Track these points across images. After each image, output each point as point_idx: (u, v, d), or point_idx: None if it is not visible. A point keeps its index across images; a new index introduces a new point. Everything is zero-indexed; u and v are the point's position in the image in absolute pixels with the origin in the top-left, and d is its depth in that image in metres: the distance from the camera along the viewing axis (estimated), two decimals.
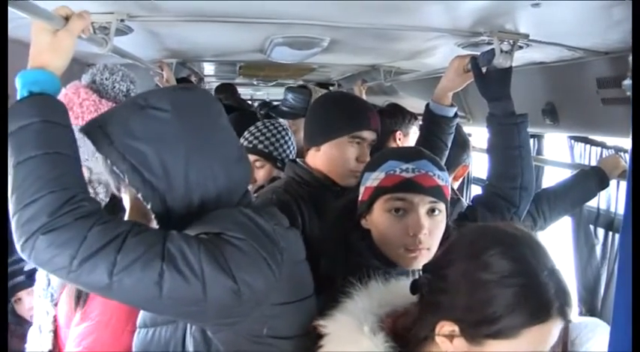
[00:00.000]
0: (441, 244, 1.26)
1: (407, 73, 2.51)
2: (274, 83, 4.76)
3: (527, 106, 1.74)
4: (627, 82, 1.39)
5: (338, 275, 1.20)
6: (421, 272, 1.02)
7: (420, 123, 1.98)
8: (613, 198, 1.95)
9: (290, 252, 1.05)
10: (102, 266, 0.88)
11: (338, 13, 1.45)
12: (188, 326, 1.04)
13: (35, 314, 1.47)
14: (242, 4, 1.36)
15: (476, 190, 3.08)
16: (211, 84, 4.82)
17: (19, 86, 0.97)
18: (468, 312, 0.89)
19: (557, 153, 2.37)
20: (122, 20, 1.43)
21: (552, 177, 2.30)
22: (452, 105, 1.74)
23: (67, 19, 1.02)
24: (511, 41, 1.48)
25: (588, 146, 2.07)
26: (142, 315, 1.12)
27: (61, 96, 1.00)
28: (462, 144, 2.05)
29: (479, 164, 3.04)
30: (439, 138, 1.73)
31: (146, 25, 1.61)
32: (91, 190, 1.40)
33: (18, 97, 0.96)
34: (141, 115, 1.03)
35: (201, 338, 1.03)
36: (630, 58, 1.28)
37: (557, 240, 2.21)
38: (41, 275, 1.44)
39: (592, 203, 1.98)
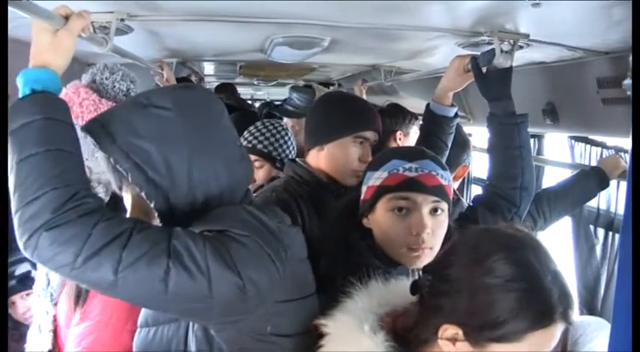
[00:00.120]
0: (443, 244, 1.26)
1: (407, 72, 2.51)
2: (275, 83, 4.76)
3: (527, 106, 1.74)
4: (627, 82, 1.39)
5: (338, 274, 1.20)
6: (421, 273, 1.02)
7: (421, 123, 1.98)
8: (613, 198, 1.95)
9: (293, 250, 1.06)
10: (107, 263, 0.87)
11: (338, 13, 1.44)
12: (190, 324, 1.04)
13: (34, 314, 1.47)
14: (242, 3, 1.36)
15: (476, 190, 3.08)
16: (211, 83, 4.82)
17: (20, 84, 0.97)
18: (472, 316, 0.89)
19: (558, 153, 2.37)
20: (122, 20, 1.43)
21: (553, 177, 2.30)
22: (452, 105, 1.74)
23: (66, 18, 1.02)
24: (511, 41, 1.48)
25: (588, 146, 2.07)
26: (143, 314, 1.12)
27: (61, 96, 1.00)
28: (462, 144, 2.05)
29: (479, 164, 3.04)
30: (439, 138, 1.73)
31: (146, 25, 1.61)
32: None
33: (20, 95, 0.96)
34: (143, 114, 1.03)
35: (204, 337, 1.03)
36: (630, 58, 1.28)
37: (557, 240, 2.21)
38: (41, 274, 1.44)
39: (592, 203, 1.98)
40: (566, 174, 2.03)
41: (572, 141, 2.15)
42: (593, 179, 1.84)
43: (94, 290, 1.02)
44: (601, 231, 2.01)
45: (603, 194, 1.93)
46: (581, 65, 1.66)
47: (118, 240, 0.89)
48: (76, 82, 1.50)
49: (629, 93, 1.38)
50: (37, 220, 0.87)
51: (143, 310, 1.13)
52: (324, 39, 1.79)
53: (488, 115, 1.57)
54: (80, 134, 1.01)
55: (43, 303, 1.41)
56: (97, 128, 1.03)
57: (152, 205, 1.02)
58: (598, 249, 2.03)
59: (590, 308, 2.02)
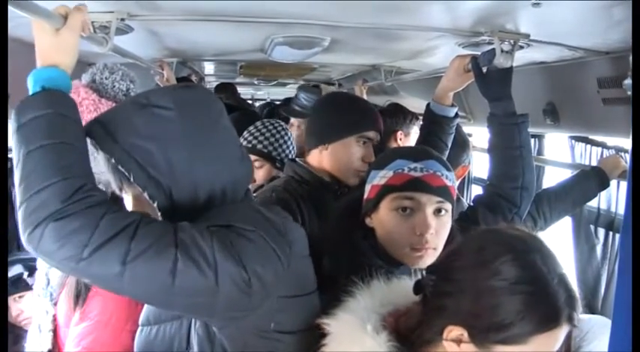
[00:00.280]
0: (445, 244, 1.26)
1: (407, 72, 2.51)
2: (275, 83, 4.76)
3: (527, 106, 1.74)
4: (628, 82, 1.39)
5: (340, 274, 1.21)
6: (425, 273, 1.02)
7: (421, 123, 1.98)
8: (613, 198, 1.95)
9: (297, 246, 1.06)
10: (114, 255, 0.87)
11: (338, 13, 1.45)
12: (192, 322, 1.04)
13: (34, 314, 1.47)
14: (243, 3, 1.36)
15: (476, 190, 3.08)
16: (212, 83, 4.82)
17: (31, 83, 0.97)
18: (478, 318, 0.89)
19: (558, 153, 2.37)
20: (122, 19, 1.43)
21: (553, 177, 2.30)
22: (452, 105, 1.74)
23: (66, 18, 1.02)
24: (512, 41, 1.48)
25: (589, 146, 2.07)
26: (145, 313, 1.12)
27: None
28: (461, 144, 2.05)
29: (479, 164, 3.04)
30: (439, 138, 1.73)
31: (146, 24, 1.61)
32: None
33: (30, 93, 0.97)
34: (144, 114, 1.03)
35: (205, 335, 1.03)
36: (631, 58, 1.27)
37: (557, 240, 2.21)
38: (40, 274, 1.44)
39: (592, 203, 1.98)
40: (567, 174, 2.03)
41: (573, 141, 2.15)
42: (593, 179, 1.84)
43: (98, 285, 1.01)
44: (601, 231, 2.02)
45: (603, 194, 1.93)
46: (581, 65, 1.66)
47: (126, 232, 0.88)
48: (76, 81, 1.50)
49: (630, 93, 1.38)
50: (44, 211, 0.87)
51: (145, 309, 1.13)
52: (325, 39, 1.79)
53: (489, 115, 1.57)
54: None
55: (42, 303, 1.41)
56: (98, 129, 1.03)
57: (155, 204, 1.02)
58: (598, 249, 2.03)
59: (590, 308, 2.02)
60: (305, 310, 1.08)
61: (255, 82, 4.83)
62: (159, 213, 1.04)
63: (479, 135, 2.81)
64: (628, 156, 1.78)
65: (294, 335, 1.05)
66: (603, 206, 1.98)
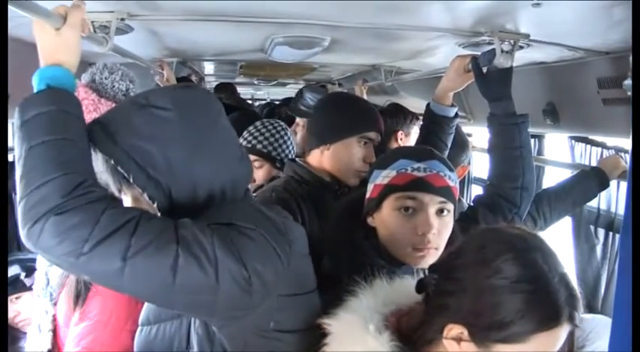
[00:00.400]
0: (446, 245, 1.26)
1: (408, 72, 2.51)
2: (275, 83, 4.76)
3: (527, 106, 1.74)
4: (628, 82, 1.39)
5: (342, 274, 1.21)
6: (427, 272, 1.02)
7: (421, 122, 1.98)
8: (613, 198, 1.95)
9: (297, 245, 1.06)
10: (115, 250, 0.87)
11: (338, 13, 1.44)
12: (192, 321, 1.04)
13: (31, 315, 1.46)
14: (243, 3, 1.36)
15: (476, 190, 3.08)
16: (212, 83, 4.82)
17: (36, 82, 0.98)
18: (478, 317, 0.89)
19: (558, 154, 2.37)
20: (122, 19, 1.43)
21: (553, 178, 2.30)
22: (452, 106, 1.74)
23: (65, 17, 1.02)
24: (512, 41, 1.48)
25: (589, 146, 2.07)
26: (145, 312, 1.12)
27: None
28: (461, 144, 2.05)
29: (479, 164, 3.04)
30: (439, 138, 1.73)
31: (146, 24, 1.61)
32: None
33: (35, 91, 0.97)
34: (143, 114, 1.03)
35: (205, 334, 1.02)
36: (631, 58, 1.27)
37: (557, 240, 2.21)
38: (40, 274, 1.44)
39: (592, 203, 1.98)
40: (567, 174, 2.03)
41: (573, 141, 2.15)
42: (593, 179, 1.84)
43: (98, 281, 1.01)
44: (601, 231, 2.02)
45: (603, 194, 1.93)
46: (581, 65, 1.66)
47: (127, 227, 0.88)
48: (76, 81, 1.50)
49: (630, 93, 1.38)
50: (45, 205, 0.87)
51: (144, 308, 1.13)
52: (325, 39, 1.79)
53: (489, 115, 1.57)
54: None
55: (42, 303, 1.41)
56: (97, 130, 1.03)
57: (154, 205, 1.02)
58: (598, 249, 2.03)
59: (590, 308, 2.02)
60: (305, 309, 1.08)
61: (255, 82, 4.83)
62: (158, 214, 1.04)
63: (479, 135, 2.81)
64: (628, 157, 1.79)
65: (294, 334, 1.05)
66: (603, 206, 1.98)
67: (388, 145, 2.13)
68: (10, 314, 1.98)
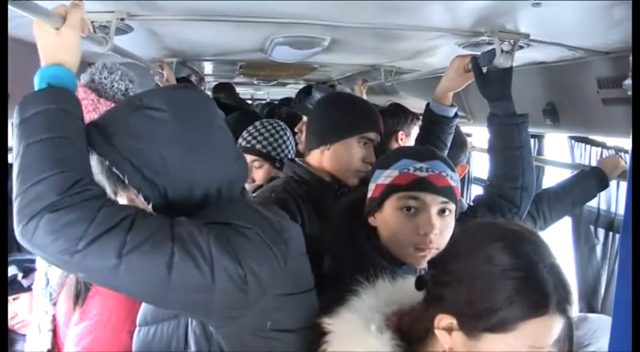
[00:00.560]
0: None
1: (407, 72, 2.51)
2: (275, 83, 4.76)
3: (527, 106, 1.73)
4: (628, 82, 1.39)
5: (343, 274, 1.21)
6: (427, 269, 1.03)
7: (421, 122, 1.98)
8: (613, 198, 1.95)
9: (293, 244, 1.06)
10: (110, 247, 0.87)
11: (338, 13, 1.45)
12: (189, 321, 1.04)
13: (29, 316, 1.46)
14: (242, 3, 1.36)
15: (476, 190, 3.08)
16: (211, 83, 4.82)
17: (37, 81, 0.98)
18: (467, 304, 0.90)
19: (558, 154, 2.37)
20: (122, 19, 1.43)
21: (553, 178, 2.30)
22: (452, 105, 1.74)
23: (65, 17, 1.02)
24: (512, 41, 1.48)
25: (589, 146, 2.07)
26: (142, 312, 1.12)
27: None
28: (460, 144, 2.05)
29: (480, 164, 3.04)
30: (439, 137, 1.74)
31: (146, 24, 1.61)
32: None
33: (36, 89, 0.97)
34: (138, 116, 1.03)
35: (202, 334, 1.02)
36: (631, 58, 1.27)
37: (557, 240, 2.21)
38: (40, 274, 1.44)
39: (592, 203, 1.98)
40: (567, 174, 2.03)
41: (573, 141, 2.15)
42: (593, 179, 1.84)
43: (93, 279, 1.00)
44: (601, 231, 2.02)
45: (603, 194, 1.93)
46: (581, 65, 1.66)
47: (122, 225, 0.88)
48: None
49: (630, 93, 1.38)
50: (41, 202, 0.86)
51: (142, 308, 1.12)
52: (325, 39, 1.79)
53: (489, 115, 1.57)
54: None
55: (42, 303, 1.41)
56: (92, 131, 1.02)
57: (150, 206, 1.02)
58: (598, 249, 2.03)
59: (590, 308, 2.02)
60: (302, 308, 1.08)
61: (255, 82, 4.83)
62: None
63: (479, 135, 2.81)
64: (628, 157, 1.79)
65: (292, 333, 1.05)
66: (603, 206, 1.98)
67: (389, 145, 2.13)
68: (8, 315, 1.98)
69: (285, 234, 1.03)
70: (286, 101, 4.58)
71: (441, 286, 0.95)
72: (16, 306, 1.91)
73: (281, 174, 1.85)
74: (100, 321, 1.26)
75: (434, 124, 1.75)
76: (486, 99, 1.57)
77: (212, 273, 0.91)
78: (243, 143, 2.12)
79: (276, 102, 5.23)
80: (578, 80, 1.73)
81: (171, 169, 1.01)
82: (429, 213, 1.25)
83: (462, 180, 2.86)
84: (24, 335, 1.79)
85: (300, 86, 4.21)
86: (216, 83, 4.58)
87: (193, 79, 3.58)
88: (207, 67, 3.80)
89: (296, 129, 2.39)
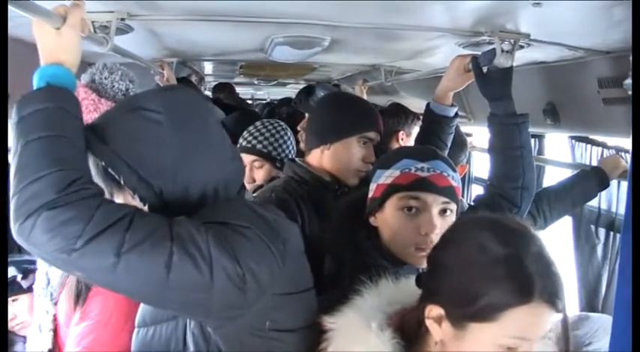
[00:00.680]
0: None
1: (408, 72, 2.51)
2: (275, 83, 4.76)
3: (528, 106, 1.73)
4: (628, 82, 1.39)
5: (344, 273, 1.20)
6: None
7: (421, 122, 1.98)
8: (614, 198, 1.95)
9: (292, 243, 1.06)
10: (108, 246, 0.86)
11: (338, 13, 1.44)
12: (188, 322, 1.04)
13: (27, 317, 1.46)
14: (242, 3, 1.36)
15: (476, 190, 3.08)
16: (211, 83, 4.83)
17: (36, 80, 0.98)
18: (453, 293, 0.91)
19: (558, 153, 2.36)
20: (122, 19, 1.43)
21: (553, 177, 2.30)
22: (452, 105, 1.74)
23: (65, 17, 1.02)
24: (512, 41, 1.47)
25: (589, 146, 2.07)
26: (141, 313, 1.12)
27: None
28: (460, 144, 2.05)
29: (480, 164, 3.04)
30: (439, 137, 1.74)
31: (146, 24, 1.61)
32: None
33: (35, 88, 0.97)
34: (133, 117, 1.03)
35: (200, 334, 1.02)
36: (631, 58, 1.27)
37: (557, 240, 2.21)
38: (41, 273, 1.44)
39: (593, 203, 1.98)
40: (567, 174, 2.03)
41: (573, 141, 2.15)
42: (593, 179, 1.84)
43: (90, 279, 1.00)
44: (602, 231, 2.01)
45: (604, 194, 1.93)
46: (581, 65, 1.66)
47: (121, 223, 0.88)
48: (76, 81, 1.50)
49: (630, 93, 1.38)
50: (38, 200, 0.86)
51: (140, 309, 1.12)
52: (325, 39, 1.79)
53: (489, 115, 1.57)
54: None
55: (43, 303, 1.41)
56: (89, 133, 1.02)
57: (146, 207, 1.01)
58: (599, 248, 2.03)
59: (591, 307, 2.02)
60: (301, 308, 1.08)
61: (255, 82, 4.83)
62: None
63: (479, 135, 2.81)
64: (628, 156, 1.79)
65: (291, 333, 1.05)
66: (604, 206, 1.98)
67: (389, 145, 2.13)
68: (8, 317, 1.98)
69: (283, 234, 1.03)
70: (286, 101, 4.58)
71: (431, 277, 0.97)
72: (16, 307, 1.91)
73: (281, 174, 1.85)
74: (100, 321, 1.26)
75: (434, 124, 1.75)
76: (487, 99, 1.57)
77: (211, 273, 0.91)
78: (244, 143, 2.12)
79: (276, 102, 5.22)
80: (578, 80, 1.73)
81: (167, 170, 1.01)
82: (430, 213, 1.25)
83: (463, 180, 2.86)
84: (23, 337, 1.80)
85: (301, 86, 4.21)
86: (216, 83, 4.59)
87: (193, 78, 3.58)
88: (208, 67, 3.80)
89: (298, 128, 2.39)
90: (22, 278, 1.89)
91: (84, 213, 0.87)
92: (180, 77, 2.93)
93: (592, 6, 1.14)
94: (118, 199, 1.06)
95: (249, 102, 6.54)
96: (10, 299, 1.89)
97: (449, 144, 1.78)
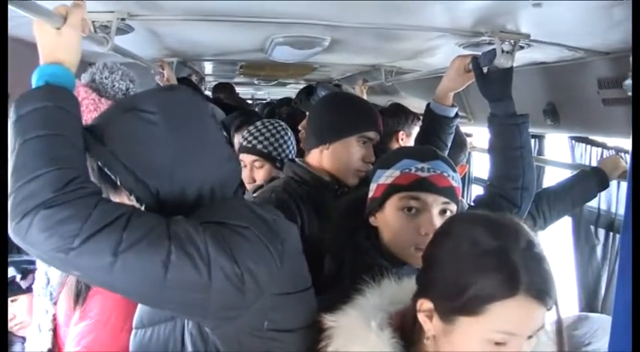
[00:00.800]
0: None
1: (408, 72, 2.51)
2: (275, 83, 4.76)
3: (528, 107, 1.73)
4: (628, 83, 1.39)
5: (344, 274, 1.20)
6: None
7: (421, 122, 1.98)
8: (613, 198, 1.95)
9: (290, 243, 1.05)
10: (106, 245, 0.86)
11: (339, 13, 1.44)
12: (186, 323, 1.04)
13: (26, 317, 1.46)
14: (243, 3, 1.36)
15: (476, 190, 3.08)
16: (211, 83, 4.83)
17: (35, 79, 0.98)
18: (441, 285, 0.92)
19: (558, 154, 2.37)
20: (123, 19, 1.43)
21: (553, 178, 2.30)
22: (453, 106, 1.74)
23: (66, 16, 1.02)
24: (512, 41, 1.48)
25: (589, 146, 2.07)
26: (138, 315, 1.11)
27: None
28: (460, 144, 2.05)
29: (480, 164, 3.04)
30: (439, 137, 1.74)
31: (147, 24, 1.61)
32: None
33: (33, 87, 0.97)
34: (129, 118, 1.03)
35: (198, 334, 1.02)
36: (631, 59, 1.27)
37: (557, 241, 2.21)
38: (40, 273, 1.44)
39: (593, 203, 1.98)
40: (567, 174, 2.03)
41: (573, 141, 2.15)
42: (593, 179, 1.84)
43: (87, 278, 1.00)
44: (601, 232, 2.02)
45: (604, 194, 1.93)
46: (581, 65, 1.66)
47: (118, 222, 0.88)
48: (76, 81, 1.50)
49: (630, 93, 1.38)
50: (34, 199, 0.86)
51: (138, 310, 1.12)
52: (325, 39, 1.79)
53: (489, 116, 1.57)
54: None
55: (42, 302, 1.41)
56: (85, 134, 1.02)
57: (143, 208, 1.01)
58: (598, 249, 2.03)
59: (590, 308, 2.02)
60: (300, 308, 1.07)
61: (255, 82, 4.83)
62: None
63: (479, 135, 2.82)
64: (628, 157, 1.79)
65: (290, 333, 1.05)
66: (603, 206, 1.98)
67: (389, 145, 2.13)
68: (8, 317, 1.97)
69: (281, 234, 1.03)
70: (285, 101, 4.58)
71: (423, 271, 0.98)
72: (15, 308, 1.91)
73: (282, 174, 1.85)
74: (100, 320, 1.26)
75: (434, 124, 1.75)
76: (487, 100, 1.57)
77: (209, 272, 0.90)
78: (244, 143, 2.12)
79: (275, 102, 5.22)
80: (578, 80, 1.73)
81: (164, 170, 1.01)
82: (430, 214, 1.25)
83: (462, 180, 2.85)
84: (22, 337, 1.80)
85: (301, 86, 4.21)
86: (216, 83, 4.59)
87: (194, 78, 3.58)
88: (208, 67, 3.80)
89: (300, 127, 2.39)
90: (21, 279, 1.89)
91: (81, 212, 0.86)
92: (181, 77, 2.93)
93: (592, 6, 1.14)
94: (115, 200, 1.05)
95: (249, 102, 6.54)
96: (9, 300, 1.89)
97: (449, 145, 1.78)
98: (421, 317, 0.95)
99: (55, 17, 1.00)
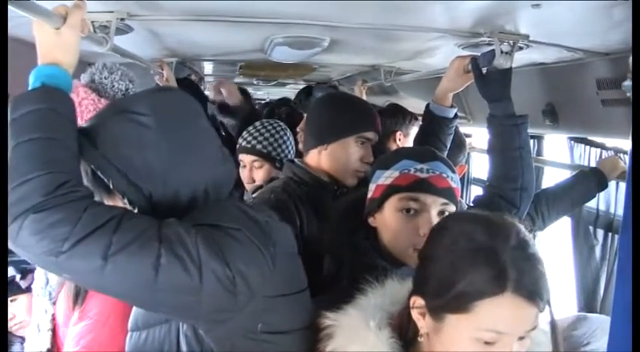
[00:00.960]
0: None
1: (407, 73, 2.51)
2: (275, 83, 4.76)
3: (527, 107, 1.74)
4: (627, 83, 1.39)
5: (342, 274, 1.20)
6: None
7: (420, 123, 1.98)
8: (612, 199, 1.95)
9: (283, 245, 1.05)
10: (96, 248, 0.86)
11: (338, 13, 1.44)
12: (181, 325, 1.03)
13: (26, 317, 1.46)
14: (242, 3, 1.36)
15: (476, 190, 3.08)
16: (211, 83, 4.82)
17: (31, 80, 0.98)
18: (432, 281, 0.93)
19: (557, 154, 2.37)
20: (122, 19, 1.43)
21: (552, 178, 2.31)
22: (452, 106, 1.75)
23: (65, 17, 1.02)
24: (511, 42, 1.48)
25: (588, 147, 2.08)
26: (133, 317, 1.11)
27: None
28: (459, 144, 2.06)
29: (479, 164, 3.04)
30: (438, 138, 1.74)
31: (146, 24, 1.61)
32: None
33: (30, 88, 0.97)
34: (121, 120, 1.02)
35: (193, 336, 1.01)
36: (630, 59, 1.28)
37: (556, 241, 2.21)
38: (39, 273, 1.44)
39: (591, 204, 1.98)
40: (566, 175, 2.03)
41: (572, 142, 2.15)
42: (592, 180, 1.84)
43: (78, 281, 1.00)
44: (600, 232, 2.02)
45: (602, 195, 1.93)
46: (580, 66, 1.66)
47: (109, 225, 0.88)
48: (75, 81, 1.50)
49: (629, 94, 1.38)
50: (26, 202, 0.86)
51: (133, 313, 1.11)
52: (324, 39, 1.79)
53: (488, 116, 1.57)
54: None
55: (41, 302, 1.41)
56: (79, 136, 1.02)
57: (135, 211, 1.01)
58: (597, 249, 2.03)
59: (589, 308, 2.02)
60: (294, 309, 1.07)
61: (255, 82, 4.82)
62: None
63: (478, 135, 2.82)
64: (627, 157, 1.79)
65: (285, 335, 1.05)
66: (602, 207, 1.99)
67: (387, 146, 2.13)
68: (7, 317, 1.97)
69: (273, 235, 1.03)
70: (285, 101, 4.58)
71: (417, 269, 1.00)
72: (14, 308, 1.91)
73: (281, 174, 1.85)
74: (99, 321, 1.26)
75: (434, 125, 1.75)
76: (486, 100, 1.57)
77: (200, 275, 0.90)
78: (244, 143, 2.12)
79: (274, 102, 5.21)
80: (577, 81, 1.73)
81: (156, 173, 1.00)
82: (429, 214, 1.25)
83: (462, 181, 2.85)
84: (21, 337, 1.80)
85: (300, 86, 4.21)
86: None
87: (193, 78, 3.58)
88: (207, 67, 3.79)
89: (298, 129, 2.39)
90: (21, 279, 1.89)
91: (71, 216, 0.86)
92: (182, 77, 2.92)
93: (591, 7, 1.14)
94: (109, 203, 1.05)
95: None
96: (8, 300, 1.89)
97: (448, 145, 1.78)
98: (414, 315, 0.96)
99: (55, 17, 1.00)
